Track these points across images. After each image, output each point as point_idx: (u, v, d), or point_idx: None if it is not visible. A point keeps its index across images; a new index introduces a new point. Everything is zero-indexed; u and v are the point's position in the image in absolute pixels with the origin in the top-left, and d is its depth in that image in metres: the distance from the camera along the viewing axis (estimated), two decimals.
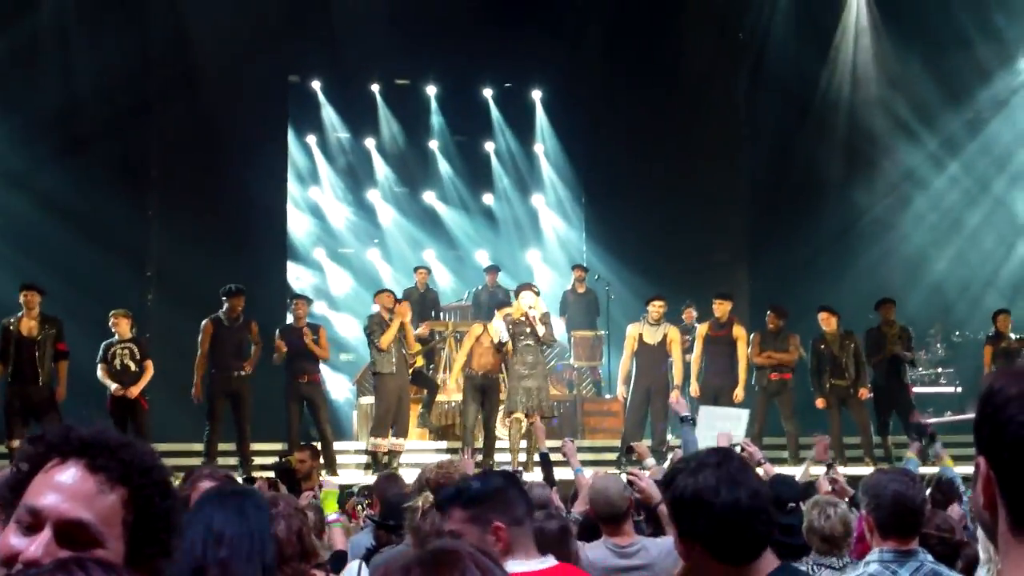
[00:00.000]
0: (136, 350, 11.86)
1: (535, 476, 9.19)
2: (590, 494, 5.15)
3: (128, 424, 11.54)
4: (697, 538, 2.42)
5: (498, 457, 12.17)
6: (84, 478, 1.62)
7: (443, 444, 13.33)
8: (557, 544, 4.25)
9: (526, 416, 11.80)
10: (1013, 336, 13.43)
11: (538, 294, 12.27)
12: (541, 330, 11.87)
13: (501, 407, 12.55)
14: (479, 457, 11.46)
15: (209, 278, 13.00)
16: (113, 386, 11.65)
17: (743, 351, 12.86)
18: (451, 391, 12.26)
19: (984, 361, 13.18)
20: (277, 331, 12.72)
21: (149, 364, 11.89)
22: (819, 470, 8.12)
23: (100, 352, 11.83)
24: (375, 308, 12.66)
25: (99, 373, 11.74)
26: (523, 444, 12.05)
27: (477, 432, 12.36)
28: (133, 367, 11.78)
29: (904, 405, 12.78)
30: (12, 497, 1.63)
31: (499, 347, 12.09)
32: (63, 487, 1.61)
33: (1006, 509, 1.37)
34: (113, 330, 11.96)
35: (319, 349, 12.57)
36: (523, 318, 11.90)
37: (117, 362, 11.75)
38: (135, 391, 11.68)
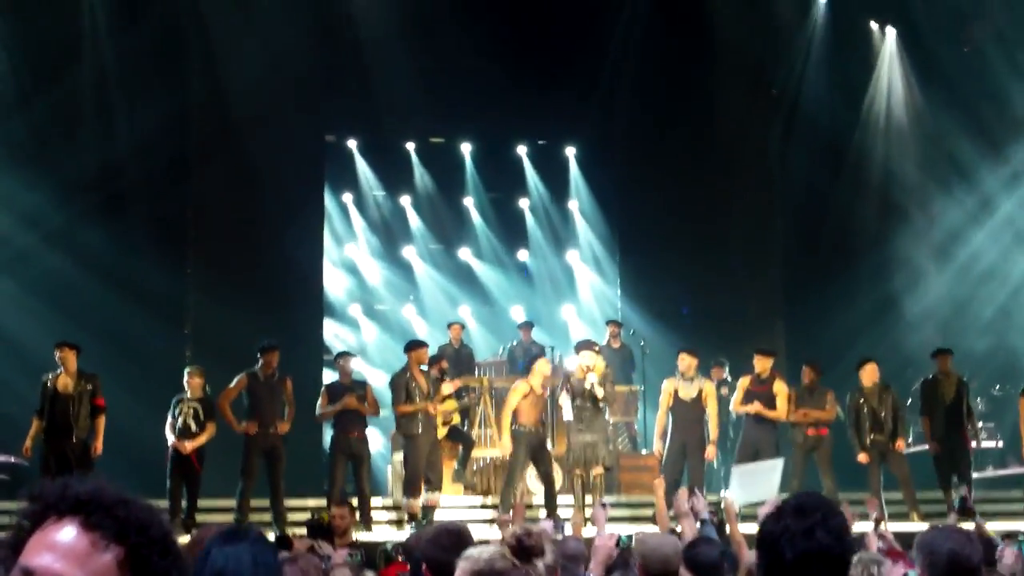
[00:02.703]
0: (200, 410, 11.84)
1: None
2: (642, 551, 5.04)
3: (183, 482, 11.69)
4: None
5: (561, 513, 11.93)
6: (79, 537, 1.57)
7: (479, 500, 13.24)
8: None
9: (583, 468, 11.66)
10: None
11: (598, 353, 12.09)
12: (600, 392, 11.71)
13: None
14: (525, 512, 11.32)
15: (246, 336, 12.97)
16: (171, 440, 11.70)
17: (783, 407, 12.64)
18: (505, 449, 12.04)
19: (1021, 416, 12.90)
20: (323, 388, 12.65)
21: (210, 426, 11.84)
22: (867, 526, 7.99)
23: (171, 406, 11.86)
24: (407, 366, 12.20)
25: (166, 427, 11.79)
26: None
27: (522, 488, 12.22)
28: (194, 427, 11.77)
29: (964, 467, 12.67)
30: (13, 556, 1.59)
31: (547, 404, 11.98)
32: (57, 546, 1.56)
33: None
34: (186, 387, 12.00)
35: (366, 407, 12.33)
36: (583, 378, 11.76)
37: (181, 419, 11.76)
38: (188, 447, 11.65)
